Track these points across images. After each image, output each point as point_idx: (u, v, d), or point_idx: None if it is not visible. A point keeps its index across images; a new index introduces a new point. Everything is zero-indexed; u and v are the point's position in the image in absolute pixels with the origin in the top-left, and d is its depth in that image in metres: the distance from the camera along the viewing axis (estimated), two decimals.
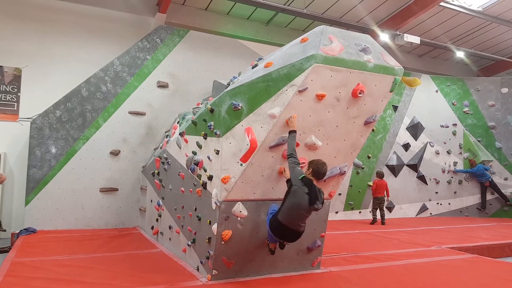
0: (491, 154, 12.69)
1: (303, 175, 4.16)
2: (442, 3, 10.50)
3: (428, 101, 12.73)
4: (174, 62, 9.33)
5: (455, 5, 10.96)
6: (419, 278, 5.15)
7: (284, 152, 4.52)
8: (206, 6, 10.48)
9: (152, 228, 7.42)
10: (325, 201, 5.24)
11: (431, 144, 12.50)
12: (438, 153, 12.56)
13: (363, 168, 11.29)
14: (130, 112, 8.80)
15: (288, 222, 4.16)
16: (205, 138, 5.13)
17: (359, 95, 4.33)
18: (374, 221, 10.16)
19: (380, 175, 10.44)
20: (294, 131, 4.24)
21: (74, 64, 8.97)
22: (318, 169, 4.26)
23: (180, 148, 6.06)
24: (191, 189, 5.58)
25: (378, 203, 10.25)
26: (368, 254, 6.39)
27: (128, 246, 6.67)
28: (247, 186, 4.62)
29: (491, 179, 12.23)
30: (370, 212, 10.74)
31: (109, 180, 8.56)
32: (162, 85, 9.14)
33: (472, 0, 10.96)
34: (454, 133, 12.82)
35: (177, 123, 7.50)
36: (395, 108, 12.08)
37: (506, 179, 12.56)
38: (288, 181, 4.37)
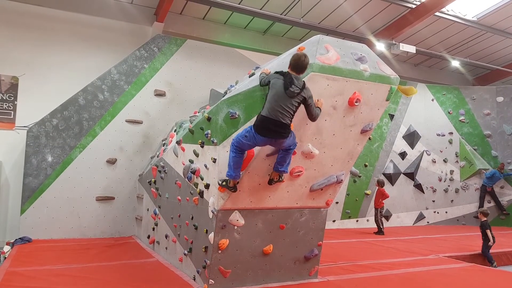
0: (487, 162, 12.74)
1: (279, 71, 4.03)
2: (437, 13, 10.62)
3: (424, 109, 12.80)
4: (172, 71, 9.35)
5: (450, 15, 11.08)
6: (416, 287, 5.14)
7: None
8: (204, 16, 10.55)
9: (149, 237, 7.37)
10: (322, 209, 5.25)
11: (427, 152, 12.54)
12: (435, 162, 12.59)
13: (360, 176, 11.29)
14: (127, 121, 8.79)
15: (270, 114, 3.92)
16: (202, 147, 5.13)
17: (356, 104, 4.35)
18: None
19: (382, 183, 10.34)
20: (265, 74, 4.26)
21: (71, 73, 8.97)
22: (297, 62, 3.91)
23: (177, 156, 6.05)
24: (188, 198, 5.56)
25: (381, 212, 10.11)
26: (366, 263, 6.37)
27: (124, 256, 6.62)
28: (244, 195, 4.61)
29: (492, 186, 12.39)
30: (379, 223, 9.95)
31: (105, 188, 8.52)
32: (159, 94, 9.15)
33: (467, 10, 11.09)
34: (450, 142, 12.88)
35: (174, 131, 7.50)
36: (392, 116, 12.13)
37: (502, 187, 12.60)
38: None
